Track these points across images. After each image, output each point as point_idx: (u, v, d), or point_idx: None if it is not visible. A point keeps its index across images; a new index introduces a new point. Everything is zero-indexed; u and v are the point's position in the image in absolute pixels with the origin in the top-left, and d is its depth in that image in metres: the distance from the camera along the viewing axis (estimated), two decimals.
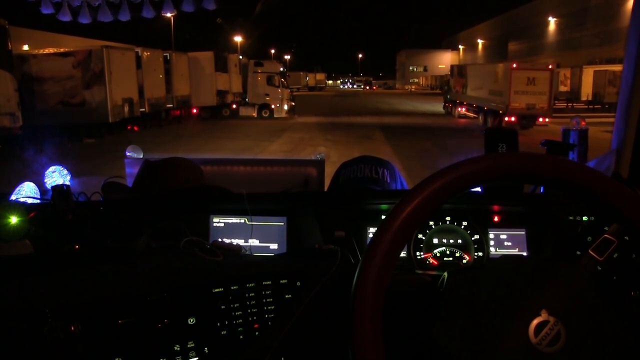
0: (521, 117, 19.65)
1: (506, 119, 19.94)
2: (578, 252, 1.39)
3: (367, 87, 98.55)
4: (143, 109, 20.86)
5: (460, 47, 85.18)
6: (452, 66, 32.14)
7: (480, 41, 72.56)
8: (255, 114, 26.10)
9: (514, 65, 20.64)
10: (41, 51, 18.09)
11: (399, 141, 16.32)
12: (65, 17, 3.37)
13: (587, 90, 32.20)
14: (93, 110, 18.02)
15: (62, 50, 18.45)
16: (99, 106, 18.06)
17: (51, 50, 18.28)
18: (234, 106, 27.05)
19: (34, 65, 17.72)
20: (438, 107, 31.28)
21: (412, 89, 79.92)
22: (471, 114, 25.13)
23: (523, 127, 19.09)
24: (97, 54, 18.03)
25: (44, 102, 17.63)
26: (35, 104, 17.11)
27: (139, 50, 20.78)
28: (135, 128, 20.28)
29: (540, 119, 19.79)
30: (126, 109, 19.25)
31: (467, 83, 25.62)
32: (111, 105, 18.20)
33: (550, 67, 20.93)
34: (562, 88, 35.86)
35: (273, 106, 26.00)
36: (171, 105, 23.65)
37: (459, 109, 26.52)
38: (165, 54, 22.98)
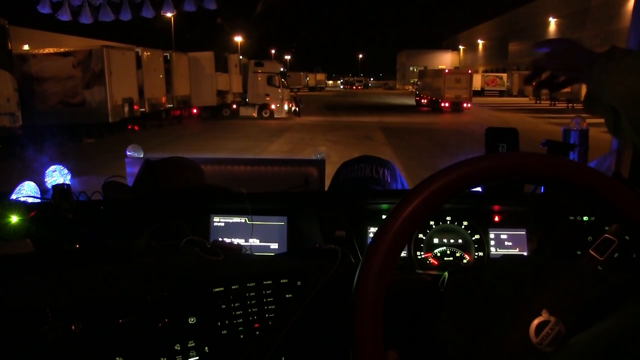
0: (452, 103, 31.04)
1: (442, 105, 31.25)
2: (578, 252, 1.39)
3: (354, 87, 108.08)
4: (143, 109, 20.86)
5: (461, 47, 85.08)
6: (419, 71, 44.67)
7: (480, 41, 72.52)
8: (255, 114, 26.08)
9: (447, 71, 34.15)
10: (41, 51, 18.05)
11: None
12: (65, 16, 3.37)
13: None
14: (93, 110, 18.01)
15: (62, 50, 18.42)
16: (99, 106, 18.05)
17: (51, 50, 18.25)
18: (234, 106, 27.03)
19: (34, 65, 17.70)
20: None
21: (412, 89, 79.82)
22: (428, 104, 36.30)
23: (455, 110, 30.61)
24: (97, 54, 18.02)
25: (44, 102, 17.61)
26: (35, 103, 17.08)
27: (139, 50, 20.77)
28: (136, 128, 20.28)
29: (465, 105, 31.01)
30: (126, 108, 19.24)
31: (426, 83, 37.33)
32: (111, 105, 18.19)
33: (469, 71, 34.27)
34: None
35: (273, 106, 25.98)
36: (171, 105, 23.65)
37: (422, 101, 37.93)
38: (165, 54, 22.98)
